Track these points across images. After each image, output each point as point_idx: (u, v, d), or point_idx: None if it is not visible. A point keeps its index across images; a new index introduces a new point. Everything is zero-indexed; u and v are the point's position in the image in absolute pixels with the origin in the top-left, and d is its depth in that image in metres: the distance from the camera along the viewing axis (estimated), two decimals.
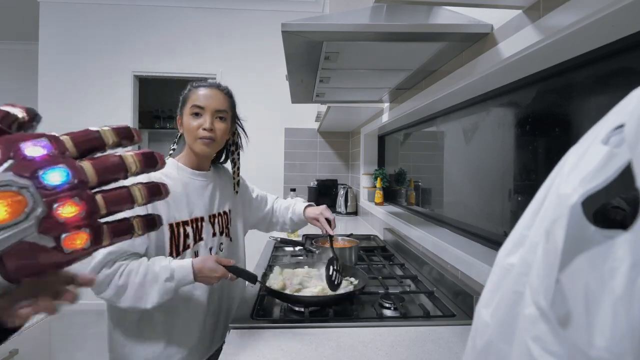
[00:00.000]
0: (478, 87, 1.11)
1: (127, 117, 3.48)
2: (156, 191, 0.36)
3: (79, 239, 0.31)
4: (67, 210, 0.31)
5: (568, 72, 0.84)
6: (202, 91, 1.08)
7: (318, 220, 1.31)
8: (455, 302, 1.05)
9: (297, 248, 1.71)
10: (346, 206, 2.97)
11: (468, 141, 1.34)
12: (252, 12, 3.52)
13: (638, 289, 0.22)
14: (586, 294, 0.24)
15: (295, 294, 1.01)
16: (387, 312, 1.01)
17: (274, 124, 3.52)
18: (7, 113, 0.33)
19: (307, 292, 1.04)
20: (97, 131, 0.35)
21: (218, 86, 1.12)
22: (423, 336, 0.87)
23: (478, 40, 0.94)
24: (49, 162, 0.31)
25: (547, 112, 0.93)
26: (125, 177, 0.35)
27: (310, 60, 1.08)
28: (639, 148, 0.22)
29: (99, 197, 0.33)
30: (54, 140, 0.32)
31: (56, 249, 0.31)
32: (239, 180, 1.22)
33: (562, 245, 0.25)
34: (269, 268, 1.16)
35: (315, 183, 3.23)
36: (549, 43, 0.71)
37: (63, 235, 0.31)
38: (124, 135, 0.36)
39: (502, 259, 0.35)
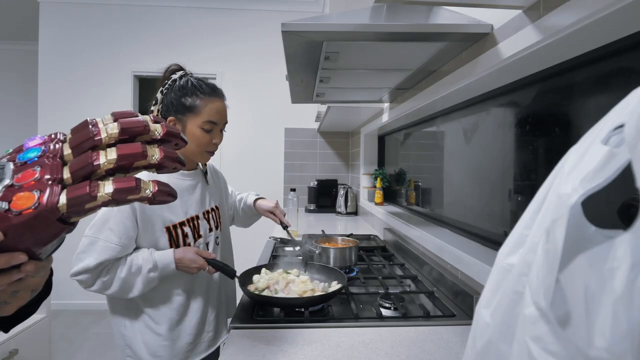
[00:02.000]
0: (478, 87, 1.11)
1: None
2: (132, 151, 0.36)
3: (23, 200, 0.33)
4: (25, 177, 0.33)
5: (568, 72, 0.84)
6: (215, 105, 1.06)
7: (273, 214, 1.41)
8: (455, 302, 1.05)
9: (297, 248, 1.71)
10: (346, 206, 2.97)
11: (468, 141, 1.34)
12: (252, 12, 3.52)
13: (638, 289, 0.22)
14: (586, 294, 0.24)
15: (275, 295, 1.01)
16: (387, 312, 1.01)
17: (274, 124, 3.52)
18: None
19: (290, 293, 1.03)
20: (94, 119, 0.38)
21: (223, 97, 1.11)
22: (423, 336, 0.87)
23: (478, 40, 0.94)
24: (34, 146, 0.35)
25: (547, 112, 0.93)
26: (99, 146, 0.36)
27: (310, 60, 1.08)
28: (639, 148, 0.22)
29: (67, 167, 0.35)
30: (54, 134, 0.37)
31: (6, 212, 0.32)
32: (206, 171, 1.23)
33: (562, 245, 0.25)
34: (256, 270, 1.16)
35: (315, 183, 3.23)
36: (549, 43, 0.71)
37: (13, 198, 0.33)
38: (119, 117, 0.38)
39: (502, 259, 0.35)
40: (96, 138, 0.35)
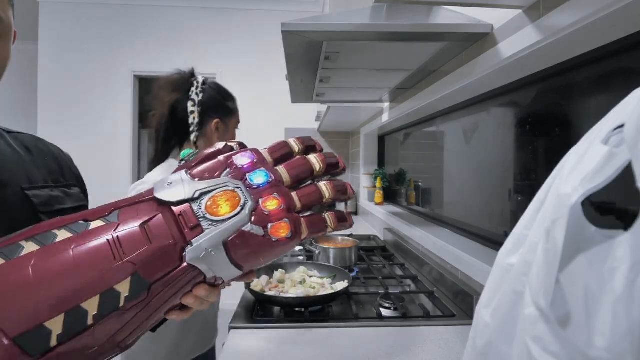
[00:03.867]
0: (478, 87, 1.11)
1: (127, 117, 3.48)
2: (342, 189, 0.42)
3: (282, 229, 0.36)
4: (270, 204, 0.36)
5: (568, 72, 0.84)
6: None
7: None
8: (455, 302, 1.05)
9: (298, 248, 1.71)
10: (346, 206, 2.97)
11: (468, 141, 1.34)
12: (252, 12, 3.52)
13: (638, 289, 0.22)
14: (586, 294, 0.24)
15: (280, 295, 1.02)
16: (387, 312, 1.01)
17: (274, 124, 3.52)
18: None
19: (287, 293, 1.04)
20: (286, 142, 0.42)
21: None
22: (423, 336, 0.87)
23: (478, 40, 0.94)
24: (253, 167, 0.38)
25: (547, 112, 0.93)
26: (312, 177, 0.41)
27: (310, 60, 1.08)
28: (639, 148, 0.22)
29: (293, 194, 0.38)
30: (255, 152, 0.40)
31: (265, 237, 0.36)
32: None
33: (562, 245, 0.25)
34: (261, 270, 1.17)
35: None
36: (549, 43, 0.71)
37: (269, 225, 0.36)
38: (307, 144, 0.43)
39: (502, 259, 0.35)
40: (313, 171, 0.41)
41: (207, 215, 0.35)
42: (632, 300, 0.22)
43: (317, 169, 0.41)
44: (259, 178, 0.37)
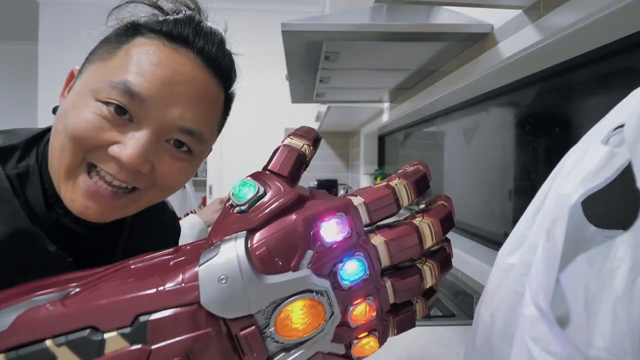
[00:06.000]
0: (478, 87, 1.11)
1: None
2: (447, 265, 0.32)
3: (368, 345, 0.28)
4: (360, 313, 0.27)
5: (568, 72, 0.84)
6: None
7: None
8: (455, 302, 1.05)
9: None
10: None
11: (468, 141, 1.34)
12: (252, 11, 3.52)
13: (638, 289, 0.22)
14: (586, 294, 0.24)
15: None
16: None
17: (274, 124, 3.52)
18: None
19: None
20: (394, 191, 0.30)
21: None
22: (423, 336, 0.86)
23: (478, 40, 0.94)
24: (346, 250, 0.27)
25: (548, 112, 0.93)
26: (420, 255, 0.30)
27: (310, 60, 1.08)
28: (639, 148, 0.22)
29: (388, 285, 0.28)
30: (351, 211, 0.28)
31: (344, 356, 0.28)
32: None
33: (562, 245, 0.25)
34: None
35: (315, 183, 3.23)
36: (549, 43, 0.71)
37: (354, 342, 0.28)
38: (420, 190, 0.31)
39: (502, 259, 0.35)
40: (422, 249, 0.29)
41: (276, 337, 0.25)
42: (632, 300, 0.22)
43: (427, 246, 0.30)
44: (352, 272, 0.27)
